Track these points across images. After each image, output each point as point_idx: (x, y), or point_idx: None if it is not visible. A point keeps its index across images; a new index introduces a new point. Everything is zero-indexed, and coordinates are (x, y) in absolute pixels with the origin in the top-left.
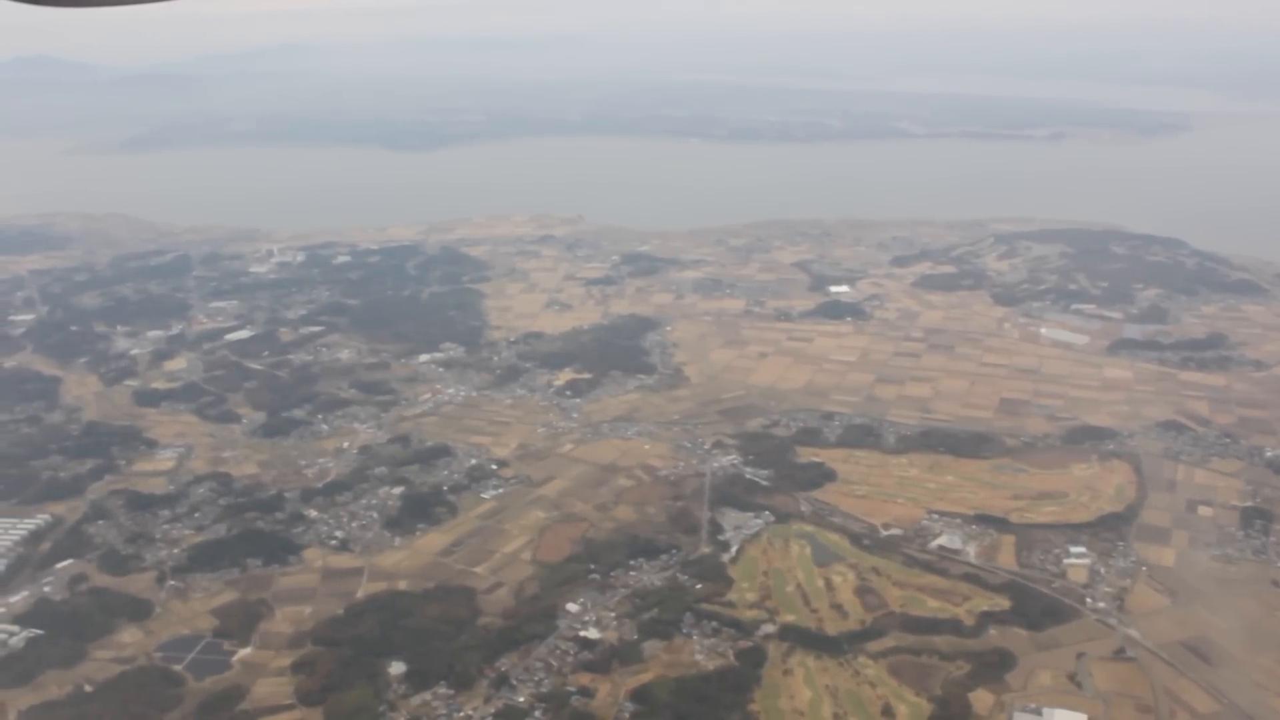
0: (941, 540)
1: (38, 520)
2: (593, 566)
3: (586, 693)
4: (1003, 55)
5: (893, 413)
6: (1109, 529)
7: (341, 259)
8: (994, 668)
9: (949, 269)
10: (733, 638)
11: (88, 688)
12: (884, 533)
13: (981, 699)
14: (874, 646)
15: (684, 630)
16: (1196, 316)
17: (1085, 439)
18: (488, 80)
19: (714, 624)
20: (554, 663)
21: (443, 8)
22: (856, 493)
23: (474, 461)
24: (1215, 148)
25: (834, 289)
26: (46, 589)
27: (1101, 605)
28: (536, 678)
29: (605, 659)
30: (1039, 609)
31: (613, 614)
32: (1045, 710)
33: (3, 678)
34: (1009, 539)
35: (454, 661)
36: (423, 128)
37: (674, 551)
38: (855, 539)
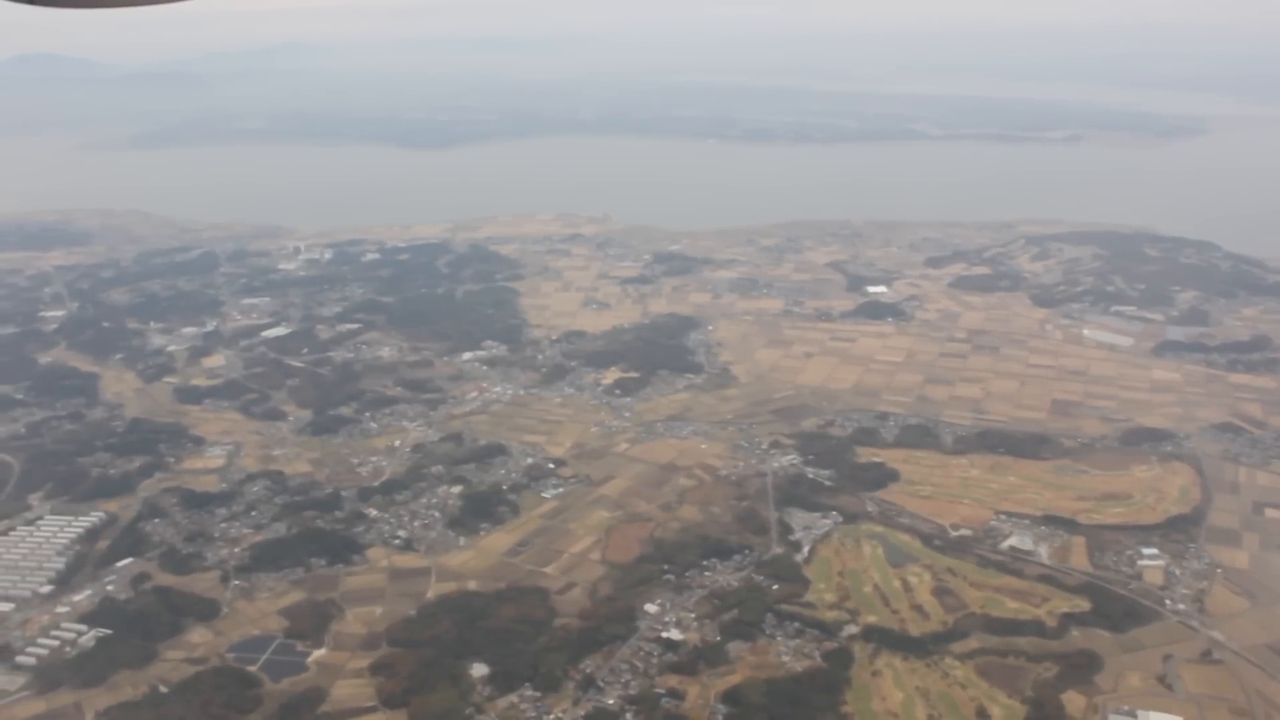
0: (1012, 541)
1: (92, 518)
2: (666, 567)
3: (676, 695)
4: (1004, 57)
5: (946, 413)
6: (1178, 531)
7: (370, 256)
8: (1082, 669)
9: (984, 270)
10: (817, 639)
11: (163, 688)
12: (954, 533)
13: (1073, 701)
14: (958, 648)
15: (766, 631)
16: (1238, 319)
17: (1142, 440)
18: (496, 79)
19: (796, 625)
20: (639, 664)
21: (445, 7)
22: (921, 493)
23: (530, 460)
24: (1235, 151)
25: (872, 289)
26: (109, 588)
27: (1181, 607)
28: (623, 679)
29: (691, 661)
30: (1120, 611)
31: (692, 615)
32: (1140, 713)
33: (75, 678)
34: (1079, 540)
35: (537, 663)
36: (435, 126)
37: (747, 552)
38: (926, 540)
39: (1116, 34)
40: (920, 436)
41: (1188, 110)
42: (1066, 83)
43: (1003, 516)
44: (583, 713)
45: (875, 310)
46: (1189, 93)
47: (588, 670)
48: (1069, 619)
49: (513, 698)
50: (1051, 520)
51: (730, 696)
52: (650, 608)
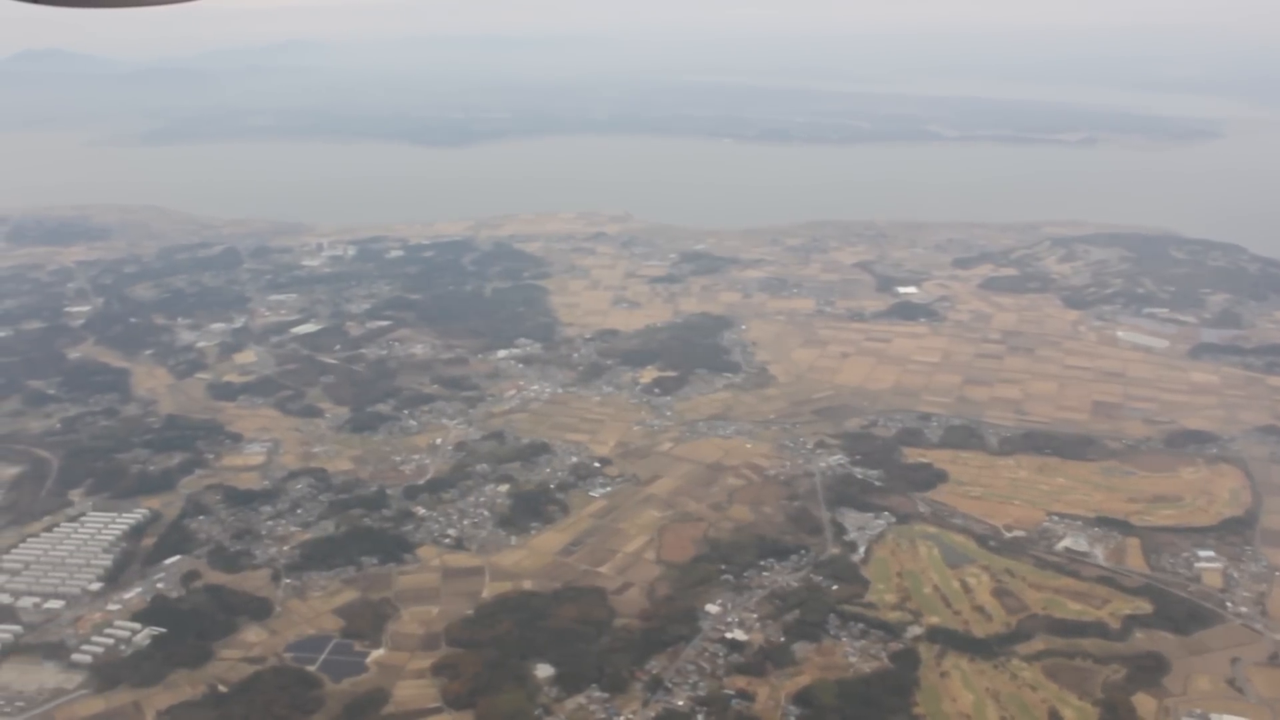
0: (1067, 542)
1: (135, 515)
2: (724, 567)
3: (745, 696)
4: (1006, 59)
5: (988, 414)
6: (1233, 533)
7: (394, 253)
8: (1150, 672)
9: (1011, 272)
10: (882, 640)
11: (222, 688)
12: (1007, 534)
13: (1144, 704)
14: (1023, 649)
15: (830, 632)
16: (1272, 322)
17: (1187, 443)
18: (502, 78)
19: (860, 626)
20: (705, 665)
21: (448, 6)
22: (971, 494)
23: (575, 459)
24: (1252, 154)
25: (902, 290)
26: (159, 585)
27: (1244, 610)
28: (691, 680)
29: (757, 661)
30: (1182, 613)
31: (754, 615)
32: (1213, 716)
33: (133, 677)
34: (1134, 542)
35: (602, 664)
36: (447, 124)
37: (803, 552)
38: (981, 540)
39: (1116, 36)
40: (965, 437)
41: (1200, 113)
42: (1073, 85)
43: (1055, 518)
44: (652, 714)
45: (908, 311)
46: (1198, 95)
47: (654, 671)
48: (1132, 621)
49: (580, 699)
50: (1104, 522)
51: (802, 698)
52: (712, 608)
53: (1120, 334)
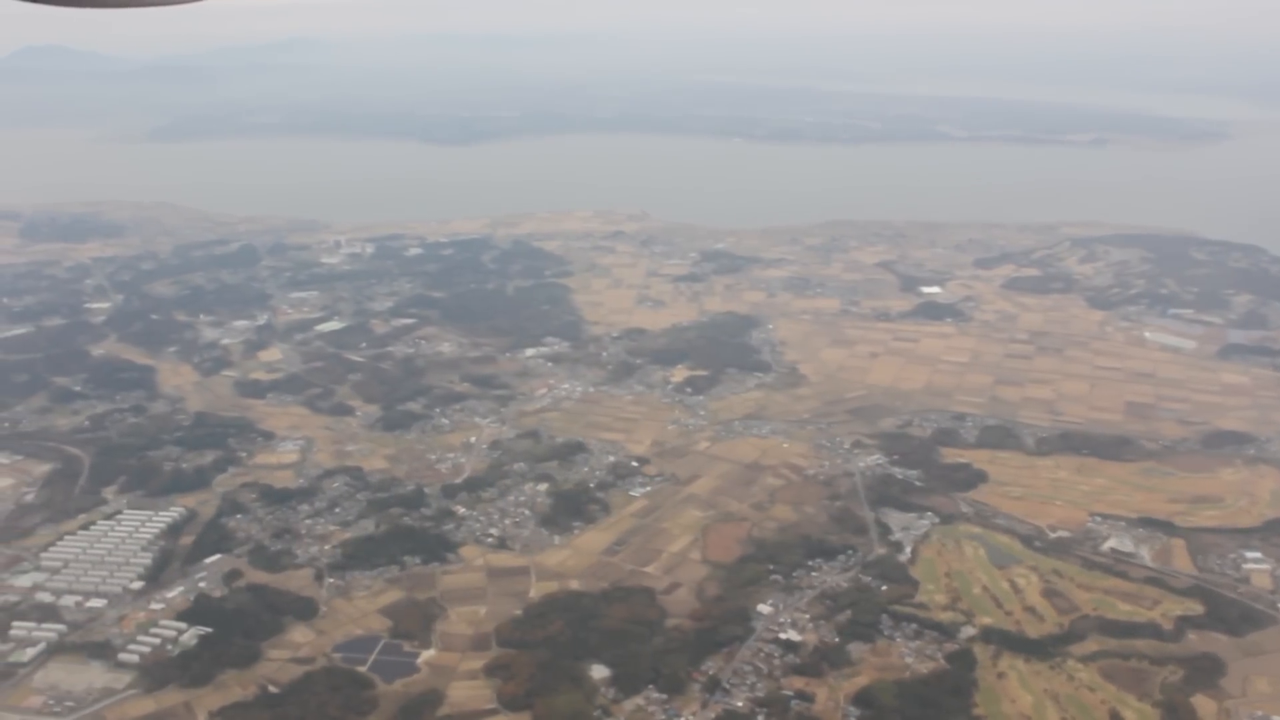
0: (1113, 543)
1: (172, 513)
2: (772, 567)
3: (805, 697)
4: (1009, 60)
5: (1022, 414)
6: (1277, 534)
7: (413, 251)
8: (1207, 673)
9: (1033, 272)
10: (936, 640)
11: (273, 689)
12: (1051, 535)
13: (1204, 705)
14: (1077, 650)
15: (884, 632)
16: None
17: (1224, 444)
18: (505, 76)
19: (914, 626)
20: (761, 666)
21: (449, 5)
22: (1012, 494)
23: (612, 458)
24: (1263, 155)
25: (926, 290)
26: (201, 585)
27: None
28: (748, 681)
29: (814, 662)
30: (1234, 614)
31: (806, 616)
32: (1275, 718)
33: (182, 677)
34: (1179, 543)
35: (658, 664)
36: (455, 122)
37: (850, 552)
38: (1026, 541)
39: (1115, 37)
40: (1001, 437)
41: (1206, 114)
42: (1077, 85)
43: (1098, 518)
44: (712, 715)
45: (933, 311)
46: (1202, 96)
47: (710, 672)
48: (1184, 622)
49: (638, 700)
50: (1148, 523)
51: (861, 699)
52: (764, 608)
53: (1148, 334)
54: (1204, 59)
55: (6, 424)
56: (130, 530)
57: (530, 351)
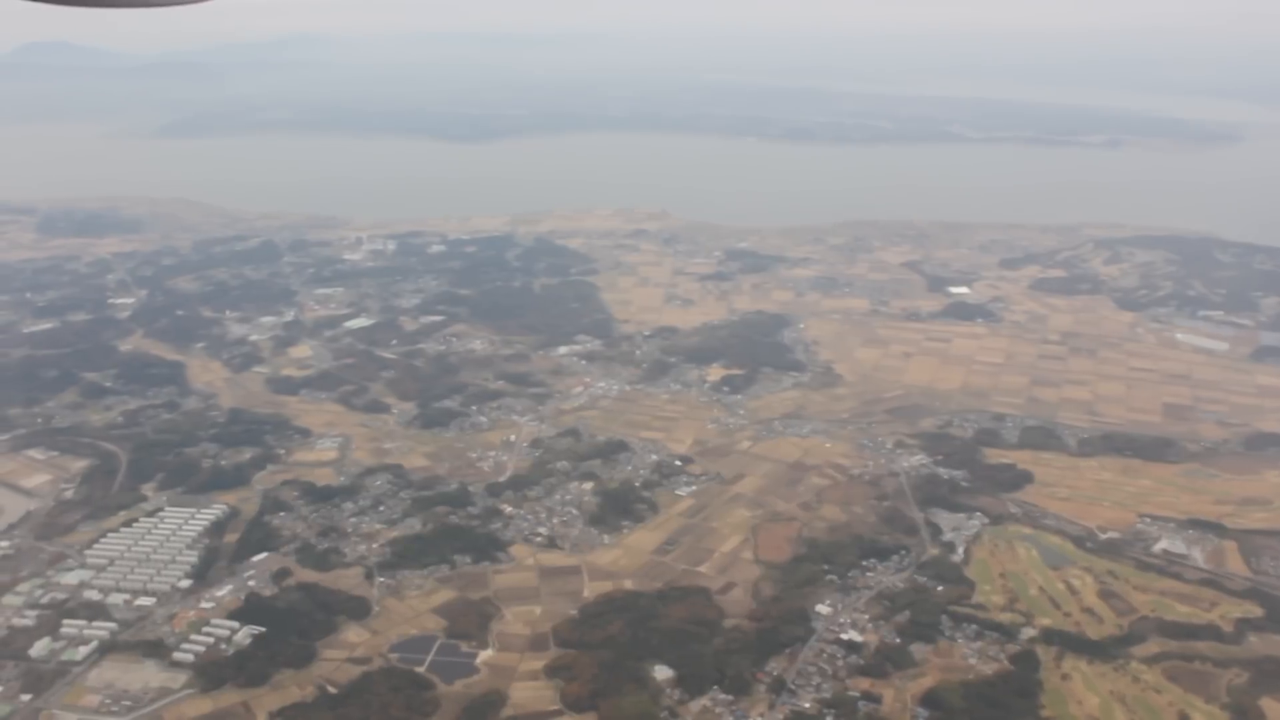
0: (1164, 544)
1: (214, 511)
2: (826, 567)
3: (872, 698)
4: (1013, 61)
5: (1061, 415)
6: None
7: (436, 248)
8: (1272, 676)
9: (1060, 273)
10: (998, 641)
11: (331, 689)
12: (1102, 536)
13: (1272, 708)
14: (1139, 651)
15: (945, 633)
16: None
17: (1266, 446)
18: (513, 75)
19: (974, 627)
20: (825, 666)
21: (454, 3)
22: (1059, 495)
23: (655, 457)
24: (1278, 158)
25: (954, 290)
26: (251, 583)
27: None
28: (813, 682)
29: (878, 663)
30: None
31: (865, 616)
32: None
33: (238, 677)
34: (1230, 544)
35: (721, 665)
36: (465, 119)
37: (904, 553)
38: (1077, 542)
39: (1121, 38)
40: (1043, 438)
41: (1219, 116)
42: (1087, 87)
43: (1146, 519)
44: (780, 716)
45: (963, 311)
46: (1212, 98)
47: (774, 673)
48: (1244, 624)
49: (705, 701)
50: (1197, 524)
51: (929, 700)
52: (823, 609)
53: (1180, 336)
54: (1211, 61)
55: (40, 419)
56: (174, 528)
57: (563, 349)
